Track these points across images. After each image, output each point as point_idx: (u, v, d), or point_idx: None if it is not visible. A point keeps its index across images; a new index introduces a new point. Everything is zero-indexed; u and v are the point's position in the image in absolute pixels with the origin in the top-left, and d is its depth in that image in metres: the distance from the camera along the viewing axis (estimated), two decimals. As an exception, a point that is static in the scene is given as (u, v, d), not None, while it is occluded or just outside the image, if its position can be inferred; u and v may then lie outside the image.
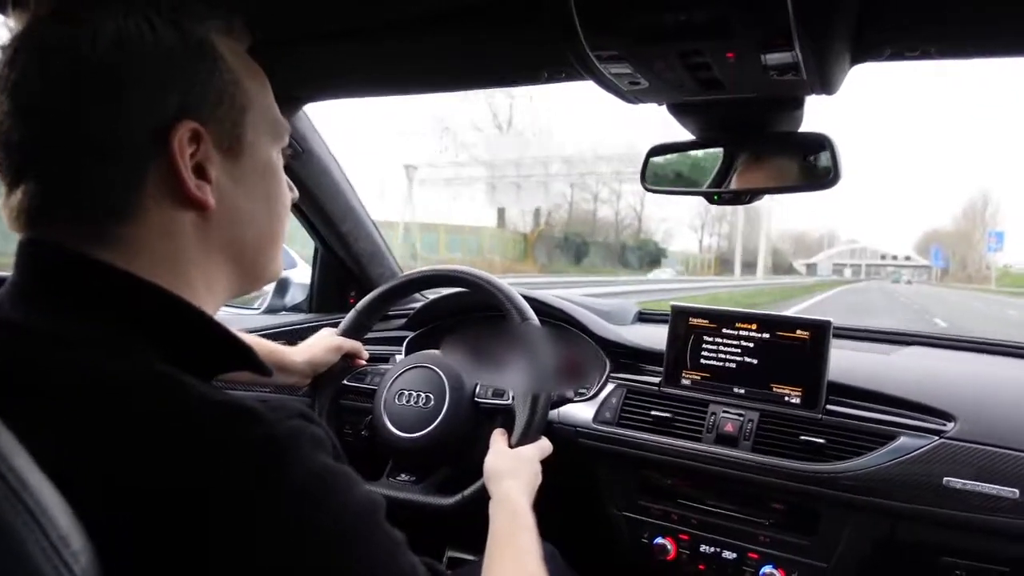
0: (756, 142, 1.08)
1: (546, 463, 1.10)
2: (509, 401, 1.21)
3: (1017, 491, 1.00)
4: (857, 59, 0.85)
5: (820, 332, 1.21)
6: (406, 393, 1.24)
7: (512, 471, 1.01)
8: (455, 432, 1.21)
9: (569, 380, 1.43)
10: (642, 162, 1.15)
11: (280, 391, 1.36)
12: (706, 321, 1.31)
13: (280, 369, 1.19)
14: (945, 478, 1.04)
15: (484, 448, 1.09)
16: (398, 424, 1.22)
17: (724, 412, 1.24)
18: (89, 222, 0.52)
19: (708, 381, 1.29)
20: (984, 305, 27.91)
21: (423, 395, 1.23)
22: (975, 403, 1.13)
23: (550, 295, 1.57)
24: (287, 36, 1.02)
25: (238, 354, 0.58)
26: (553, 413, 1.33)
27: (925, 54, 0.83)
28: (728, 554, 1.23)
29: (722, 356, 1.28)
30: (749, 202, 1.11)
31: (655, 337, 1.40)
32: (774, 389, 1.23)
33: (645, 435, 1.27)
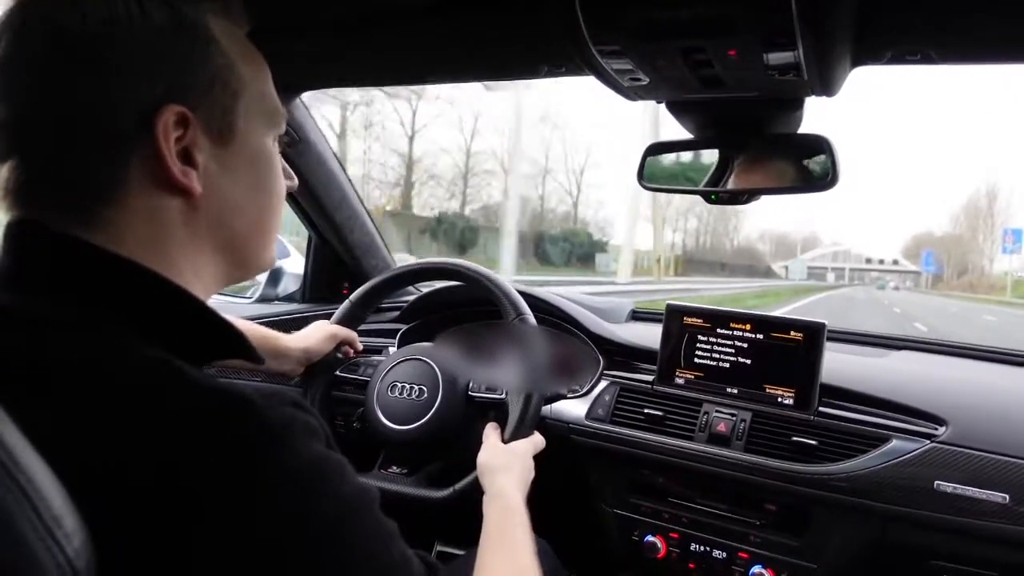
0: (755, 142, 1.08)
1: (538, 459, 1.10)
2: (503, 396, 1.20)
3: (1007, 496, 1.01)
4: (858, 61, 0.85)
5: (814, 334, 1.21)
6: (399, 385, 1.24)
7: (505, 466, 1.01)
8: (448, 425, 1.20)
9: (563, 377, 1.43)
10: (639, 160, 1.14)
11: (273, 380, 1.36)
12: (701, 320, 1.31)
13: (275, 356, 1.19)
14: (936, 482, 1.04)
15: (476, 442, 1.09)
16: (390, 416, 1.22)
17: (717, 412, 1.24)
18: (74, 203, 0.52)
19: (701, 380, 1.29)
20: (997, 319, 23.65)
21: (416, 387, 1.22)
22: (967, 408, 1.13)
23: (546, 291, 1.57)
24: (285, 24, 1.01)
25: (231, 341, 0.57)
26: (546, 409, 1.33)
27: (926, 58, 0.83)
28: (718, 553, 1.23)
29: (716, 356, 1.28)
30: (746, 202, 1.11)
31: (649, 335, 1.40)
32: (767, 390, 1.23)
33: (637, 433, 1.27)
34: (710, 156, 1.13)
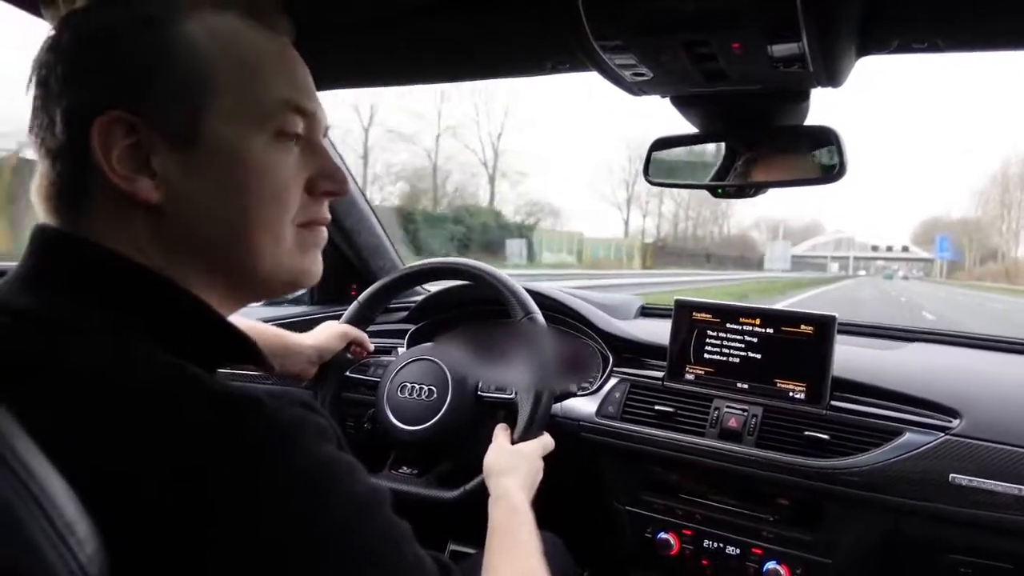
0: (760, 135, 1.07)
1: (549, 457, 1.09)
2: (512, 395, 1.20)
3: (1022, 488, 1.00)
4: (863, 51, 0.84)
5: (825, 327, 1.20)
6: (409, 385, 1.24)
7: (512, 468, 1.01)
8: (458, 425, 1.20)
9: (572, 374, 1.43)
10: (645, 156, 1.14)
11: (284, 382, 1.36)
12: (710, 316, 1.30)
13: (286, 355, 1.18)
14: (951, 475, 1.03)
15: (486, 442, 1.09)
16: (400, 416, 1.22)
17: (728, 407, 1.23)
18: (76, 214, 0.53)
19: (711, 376, 1.28)
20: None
21: (426, 388, 1.22)
22: (981, 400, 1.12)
23: (553, 288, 1.56)
24: (298, 24, 1.01)
25: (240, 347, 0.57)
26: (556, 407, 1.33)
27: (932, 46, 0.82)
28: (732, 549, 1.22)
29: (726, 351, 1.28)
30: (754, 195, 1.11)
31: (658, 332, 1.40)
32: (778, 384, 1.22)
33: (648, 430, 1.27)
34: (716, 150, 1.13)
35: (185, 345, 0.51)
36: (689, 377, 1.30)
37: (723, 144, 1.10)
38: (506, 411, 1.20)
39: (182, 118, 0.52)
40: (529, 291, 1.25)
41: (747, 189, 1.08)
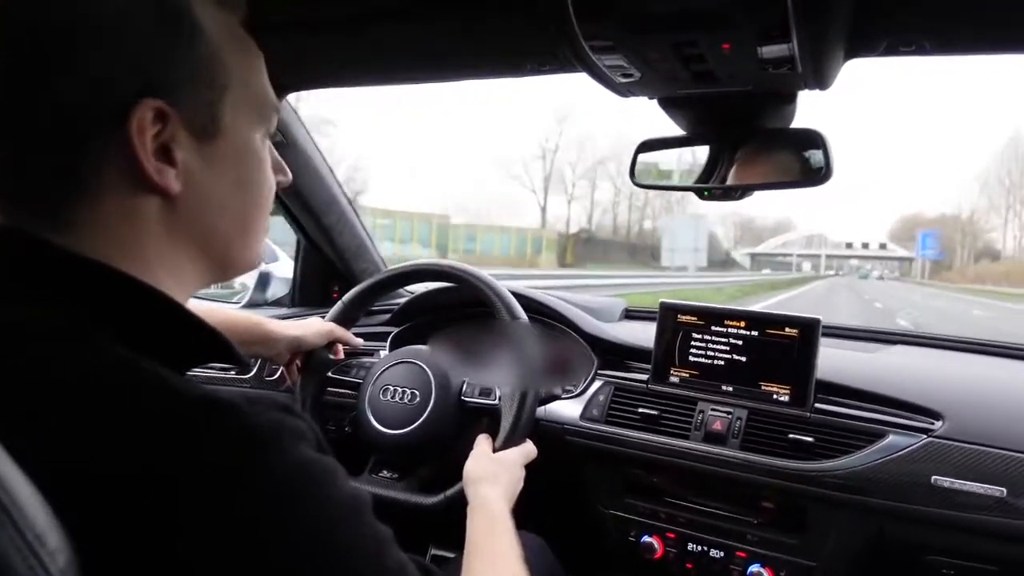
0: (747, 137, 1.07)
1: (533, 461, 1.09)
2: (496, 402, 1.19)
3: (1004, 490, 1.00)
4: (852, 53, 0.84)
5: (809, 330, 1.20)
6: (391, 388, 1.22)
7: (491, 476, 0.99)
8: (440, 431, 1.19)
9: (557, 377, 1.42)
10: (631, 158, 1.13)
11: (261, 385, 1.34)
12: (695, 318, 1.30)
13: (262, 341, 1.17)
14: (933, 477, 1.04)
15: (468, 448, 1.08)
16: (382, 420, 1.20)
17: (712, 410, 1.23)
18: (44, 205, 0.50)
19: (696, 379, 1.28)
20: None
21: (408, 391, 1.21)
22: (963, 402, 1.13)
23: (538, 291, 1.55)
24: (271, 23, 0.99)
25: (211, 344, 0.55)
26: (540, 411, 1.32)
27: (920, 49, 0.82)
28: (716, 553, 1.22)
29: (711, 354, 1.27)
30: (740, 198, 1.10)
31: (643, 334, 1.39)
32: (763, 387, 1.22)
33: (632, 433, 1.26)
34: (702, 152, 1.12)
35: (157, 347, 0.49)
36: (674, 380, 1.30)
37: (709, 146, 1.10)
38: (489, 417, 1.19)
39: (206, 110, 0.52)
40: (513, 293, 1.24)
41: (733, 191, 1.08)
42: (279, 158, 0.63)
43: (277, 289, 1.81)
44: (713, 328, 1.28)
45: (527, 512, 0.92)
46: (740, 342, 1.25)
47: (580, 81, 0.91)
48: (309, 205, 1.61)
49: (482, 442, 1.08)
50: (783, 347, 1.22)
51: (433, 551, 1.54)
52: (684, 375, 1.29)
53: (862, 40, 0.80)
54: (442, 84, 1.22)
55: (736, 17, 0.70)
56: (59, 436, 0.42)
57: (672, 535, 1.26)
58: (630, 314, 1.69)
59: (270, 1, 0.94)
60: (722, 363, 1.26)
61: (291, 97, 1.49)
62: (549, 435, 1.30)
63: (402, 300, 1.66)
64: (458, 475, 1.03)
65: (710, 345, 1.28)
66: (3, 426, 0.40)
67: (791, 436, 1.15)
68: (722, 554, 1.22)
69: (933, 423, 1.10)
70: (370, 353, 1.41)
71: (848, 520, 1.11)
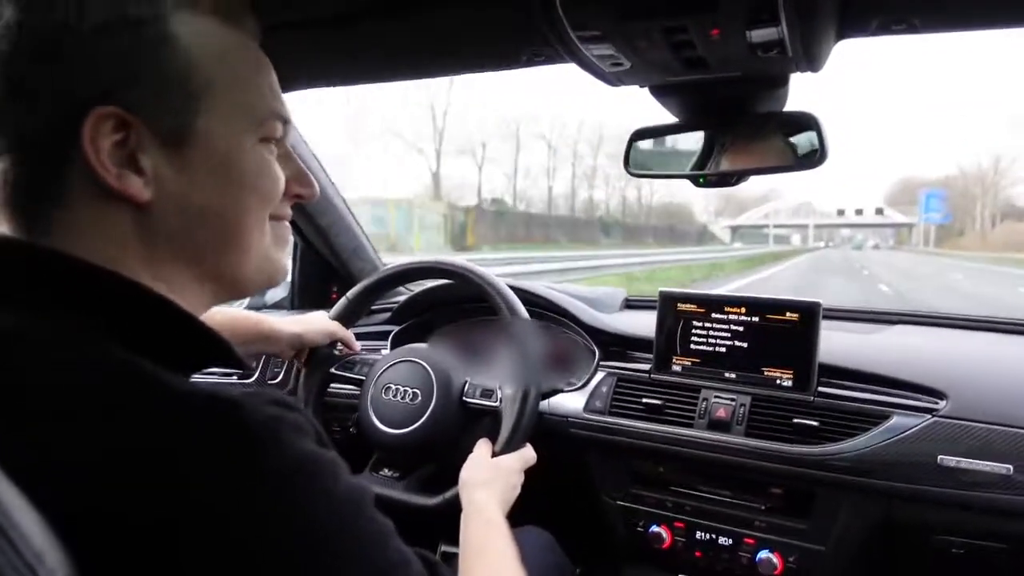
0: (741, 123, 1.06)
1: (538, 454, 1.08)
2: (497, 403, 1.18)
3: (1011, 467, 1.00)
4: (843, 34, 0.83)
5: (809, 314, 1.20)
6: (393, 387, 1.22)
7: (487, 481, 0.99)
8: (441, 430, 1.18)
9: (559, 371, 1.42)
10: (625, 147, 1.13)
11: (262, 383, 1.34)
12: (695, 306, 1.29)
13: (263, 339, 1.16)
14: (939, 456, 1.04)
15: (470, 449, 1.07)
16: (383, 419, 1.20)
17: (716, 397, 1.23)
18: (27, 213, 0.50)
19: (699, 366, 1.28)
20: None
21: (410, 390, 1.20)
22: (966, 380, 1.13)
23: (538, 284, 1.55)
24: (262, 24, 0.98)
25: (214, 348, 0.55)
26: (544, 404, 1.31)
27: (911, 27, 0.81)
28: (724, 540, 1.22)
29: (712, 341, 1.27)
30: (736, 183, 1.10)
31: (643, 324, 1.39)
32: (765, 373, 1.22)
33: (637, 423, 1.26)
34: (696, 138, 1.12)
35: (157, 350, 0.48)
36: (676, 368, 1.30)
37: (703, 132, 1.09)
38: (491, 418, 1.19)
39: (175, 117, 0.52)
40: (512, 288, 1.24)
41: (729, 177, 1.07)
42: (303, 169, 0.62)
43: (276, 292, 1.81)
44: (713, 315, 1.27)
45: (534, 507, 0.92)
46: (741, 328, 1.25)
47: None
48: (305, 207, 1.60)
49: (481, 446, 1.08)
50: (784, 332, 1.21)
51: (443, 548, 1.54)
52: (686, 363, 1.29)
53: (852, 20, 0.79)
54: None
55: (725, 1, 0.69)
56: (55, 442, 0.41)
57: (680, 524, 1.26)
58: (630, 304, 1.68)
59: (259, 1, 0.93)
60: (724, 350, 1.26)
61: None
62: (553, 428, 1.30)
63: (402, 298, 1.66)
64: (458, 475, 1.03)
65: (711, 332, 1.27)
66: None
67: (795, 421, 1.15)
68: (730, 541, 1.21)
69: (937, 402, 1.10)
70: (372, 351, 1.41)
71: (855, 503, 1.11)
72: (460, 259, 1.31)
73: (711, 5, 0.70)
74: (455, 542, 1.49)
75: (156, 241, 0.53)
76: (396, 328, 1.60)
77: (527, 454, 1.09)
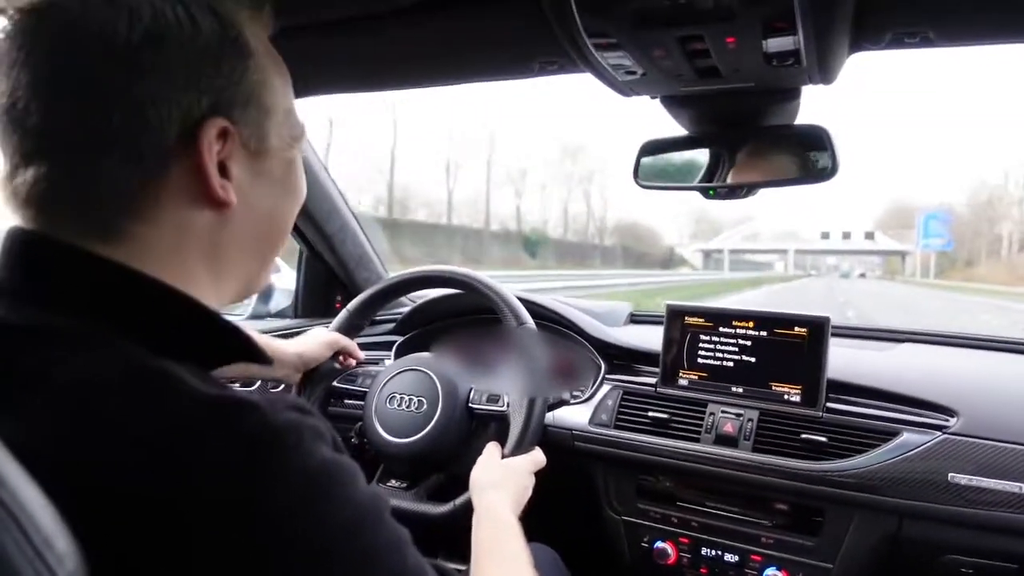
0: (752, 135, 1.06)
1: (542, 469, 1.07)
2: (504, 408, 1.18)
3: (1022, 486, 0.99)
4: (857, 46, 0.84)
5: (818, 329, 1.19)
6: (398, 397, 1.21)
7: (498, 483, 0.98)
8: (448, 438, 1.17)
9: (564, 382, 1.41)
10: (635, 160, 1.12)
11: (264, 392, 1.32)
12: (702, 320, 1.29)
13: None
14: (950, 474, 1.02)
15: (477, 455, 1.06)
16: (389, 428, 1.19)
17: (723, 412, 1.22)
18: (95, 215, 0.49)
19: (706, 381, 1.27)
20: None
21: (416, 399, 1.19)
22: (977, 398, 1.12)
23: (544, 297, 1.54)
24: (274, 29, 0.98)
25: (239, 344, 0.55)
26: (549, 416, 1.30)
27: (924, 40, 0.82)
28: (730, 557, 1.20)
29: (719, 355, 1.26)
30: (745, 197, 1.10)
31: (649, 338, 1.38)
32: (773, 388, 1.21)
33: (642, 437, 1.25)
34: (705, 151, 1.12)
35: (181, 349, 0.48)
36: (683, 382, 1.29)
37: (714, 145, 1.09)
38: (498, 423, 1.18)
39: (256, 128, 0.54)
40: (519, 299, 1.24)
41: (739, 190, 1.07)
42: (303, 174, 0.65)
43: (280, 300, 1.79)
44: (721, 329, 1.27)
45: (538, 523, 0.90)
46: (749, 343, 1.24)
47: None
48: (311, 214, 1.60)
49: (491, 449, 1.07)
50: (793, 347, 1.20)
51: (438, 561, 1.52)
52: (693, 377, 1.28)
53: (867, 32, 0.79)
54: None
55: (741, 9, 0.69)
56: (70, 441, 0.42)
57: (685, 540, 1.24)
58: (635, 318, 1.68)
59: (274, 6, 0.94)
60: (731, 364, 1.25)
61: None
62: (558, 441, 1.28)
63: (405, 309, 1.66)
64: (467, 483, 1.02)
65: (719, 347, 1.26)
66: (13, 431, 0.39)
67: (804, 436, 1.14)
68: (737, 558, 1.20)
69: (947, 420, 1.09)
70: (375, 362, 1.40)
71: (864, 520, 1.09)
72: (465, 269, 1.30)
73: (728, 14, 0.70)
74: (456, 557, 1.49)
75: (221, 243, 0.55)
76: (400, 338, 1.59)
77: (537, 456, 1.08)
